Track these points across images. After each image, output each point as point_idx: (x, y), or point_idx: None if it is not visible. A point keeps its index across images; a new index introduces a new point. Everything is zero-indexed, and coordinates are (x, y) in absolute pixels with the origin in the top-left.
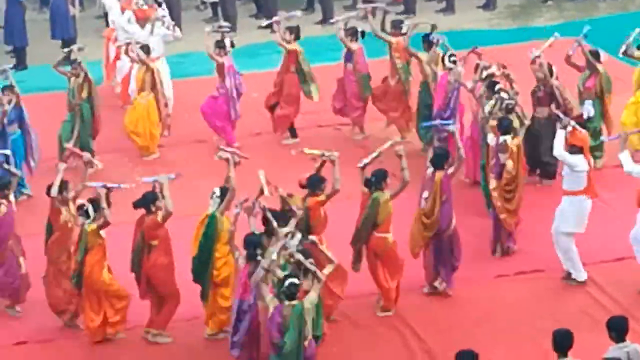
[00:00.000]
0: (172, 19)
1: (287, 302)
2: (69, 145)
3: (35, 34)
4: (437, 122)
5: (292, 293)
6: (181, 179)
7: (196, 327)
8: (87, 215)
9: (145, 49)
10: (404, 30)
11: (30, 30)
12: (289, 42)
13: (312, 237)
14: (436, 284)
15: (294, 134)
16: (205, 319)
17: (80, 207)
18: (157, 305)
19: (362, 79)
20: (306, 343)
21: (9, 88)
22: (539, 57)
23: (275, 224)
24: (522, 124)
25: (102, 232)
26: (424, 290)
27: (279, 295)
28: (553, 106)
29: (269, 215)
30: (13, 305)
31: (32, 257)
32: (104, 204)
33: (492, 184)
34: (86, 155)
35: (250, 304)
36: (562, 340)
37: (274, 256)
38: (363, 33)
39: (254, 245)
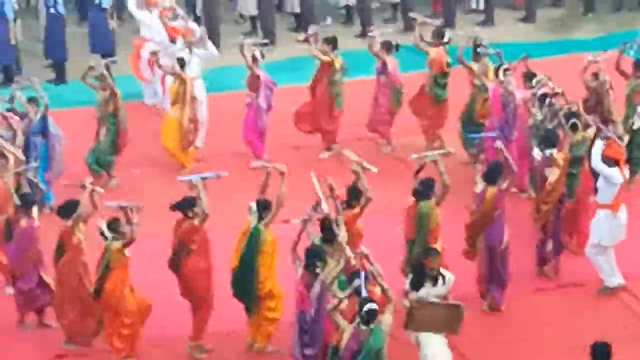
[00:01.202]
0: (210, 33)
1: (363, 327)
2: (65, 182)
3: (75, 48)
4: (481, 135)
5: (370, 319)
6: (218, 192)
7: (235, 340)
8: (105, 237)
9: (181, 62)
10: (445, 40)
11: (70, 44)
12: (326, 53)
13: (363, 249)
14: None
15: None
16: (249, 332)
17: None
18: (193, 312)
19: (395, 92)
20: None
21: (34, 99)
22: (595, 62)
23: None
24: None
25: (127, 252)
26: (483, 308)
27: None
28: (592, 117)
29: (333, 224)
30: (41, 319)
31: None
32: (133, 219)
33: (532, 195)
34: (83, 183)
35: (312, 316)
36: (601, 353)
37: (335, 272)
38: (397, 46)
39: (315, 256)
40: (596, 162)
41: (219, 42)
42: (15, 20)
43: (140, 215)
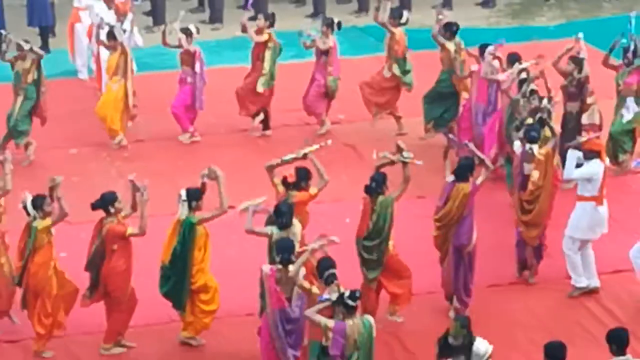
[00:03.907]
0: (155, 8)
1: (350, 321)
2: None
3: (12, 20)
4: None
5: (355, 305)
6: (154, 176)
7: (169, 331)
8: (28, 213)
9: (111, 34)
10: (402, 20)
11: (6, 16)
12: (261, 29)
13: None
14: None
15: (266, 126)
16: (183, 326)
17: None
18: (108, 314)
19: (332, 81)
20: None
21: None
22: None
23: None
24: (553, 134)
25: (52, 230)
26: (449, 315)
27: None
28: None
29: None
30: None
31: None
32: (59, 195)
33: (514, 194)
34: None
35: (296, 314)
36: (555, 352)
37: (301, 261)
38: (340, 24)
39: (287, 249)
40: (569, 173)
41: (164, 19)
42: None
43: (76, 195)
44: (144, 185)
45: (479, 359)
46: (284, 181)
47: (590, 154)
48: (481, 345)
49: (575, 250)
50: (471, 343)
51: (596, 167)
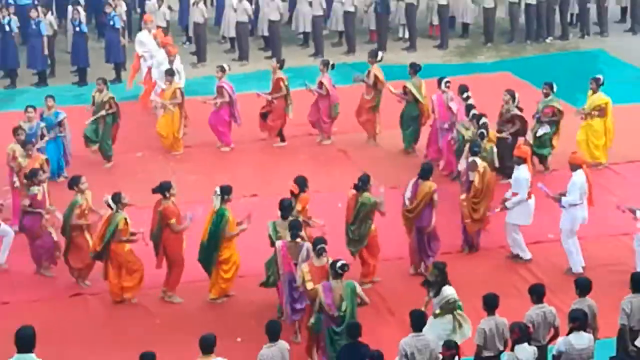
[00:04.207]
0: (199, 50)
1: (335, 281)
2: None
3: (94, 58)
4: None
5: (342, 273)
6: (200, 174)
7: (196, 289)
8: (110, 207)
9: (170, 71)
10: (378, 58)
11: (90, 55)
12: (274, 69)
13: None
14: (421, 269)
15: (282, 139)
16: (209, 287)
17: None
18: (169, 270)
19: (332, 106)
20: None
21: (51, 96)
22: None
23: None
24: (491, 149)
25: (129, 220)
26: (409, 272)
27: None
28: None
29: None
30: (49, 267)
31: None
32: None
33: (462, 196)
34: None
35: None
36: (490, 301)
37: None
38: (333, 65)
39: (297, 228)
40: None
41: (205, 57)
42: (55, 36)
43: (141, 187)
44: (190, 214)
45: (441, 298)
46: (292, 193)
47: (519, 160)
48: (448, 290)
49: (517, 231)
50: (443, 285)
51: (523, 172)
